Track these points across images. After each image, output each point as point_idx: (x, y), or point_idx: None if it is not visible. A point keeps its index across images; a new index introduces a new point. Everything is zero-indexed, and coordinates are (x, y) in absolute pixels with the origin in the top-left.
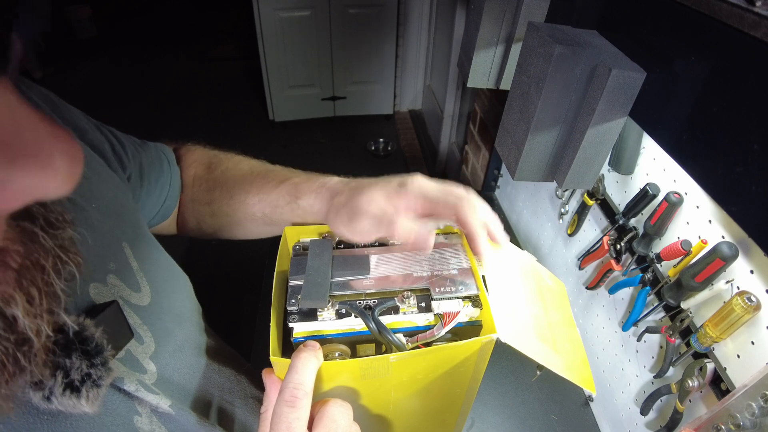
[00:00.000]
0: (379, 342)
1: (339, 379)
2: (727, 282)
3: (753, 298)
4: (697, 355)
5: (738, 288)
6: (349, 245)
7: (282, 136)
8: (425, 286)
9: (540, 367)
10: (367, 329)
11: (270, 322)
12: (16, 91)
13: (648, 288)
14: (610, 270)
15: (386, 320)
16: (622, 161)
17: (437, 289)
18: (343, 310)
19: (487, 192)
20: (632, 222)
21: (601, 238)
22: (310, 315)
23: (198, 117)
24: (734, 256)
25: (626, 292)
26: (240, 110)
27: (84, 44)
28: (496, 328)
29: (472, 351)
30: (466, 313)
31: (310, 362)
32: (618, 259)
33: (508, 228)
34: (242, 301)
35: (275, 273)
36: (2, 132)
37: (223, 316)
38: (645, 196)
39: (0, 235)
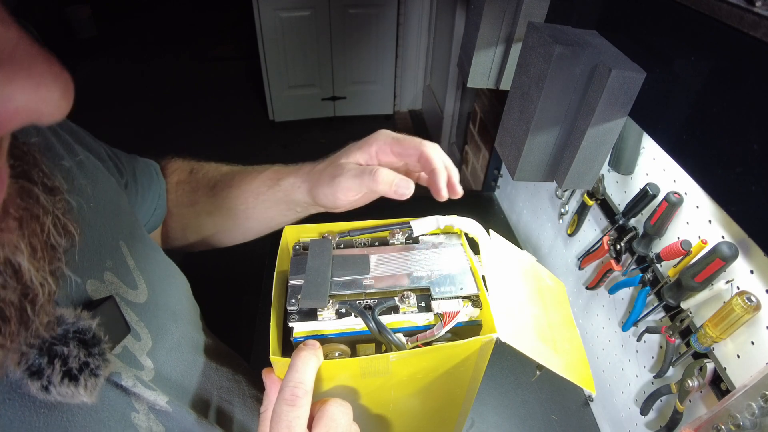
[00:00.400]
0: (379, 342)
1: (339, 378)
2: (727, 282)
3: (753, 298)
4: (697, 355)
5: (738, 288)
6: (350, 245)
7: (282, 136)
8: (425, 286)
9: (540, 367)
10: (367, 329)
11: (270, 321)
12: (7, 9)
13: (648, 288)
14: (610, 270)
15: (386, 320)
16: (622, 161)
17: (437, 289)
18: (343, 310)
19: (487, 192)
20: (632, 222)
21: (601, 238)
22: (310, 315)
23: (198, 117)
24: (734, 256)
25: (626, 292)
26: (240, 110)
27: (84, 44)
28: (496, 328)
29: (472, 350)
30: (466, 312)
31: (310, 361)
32: (618, 259)
33: (508, 228)
34: (242, 301)
35: (275, 273)
36: None
37: (223, 316)
38: (645, 196)
39: (4, 176)
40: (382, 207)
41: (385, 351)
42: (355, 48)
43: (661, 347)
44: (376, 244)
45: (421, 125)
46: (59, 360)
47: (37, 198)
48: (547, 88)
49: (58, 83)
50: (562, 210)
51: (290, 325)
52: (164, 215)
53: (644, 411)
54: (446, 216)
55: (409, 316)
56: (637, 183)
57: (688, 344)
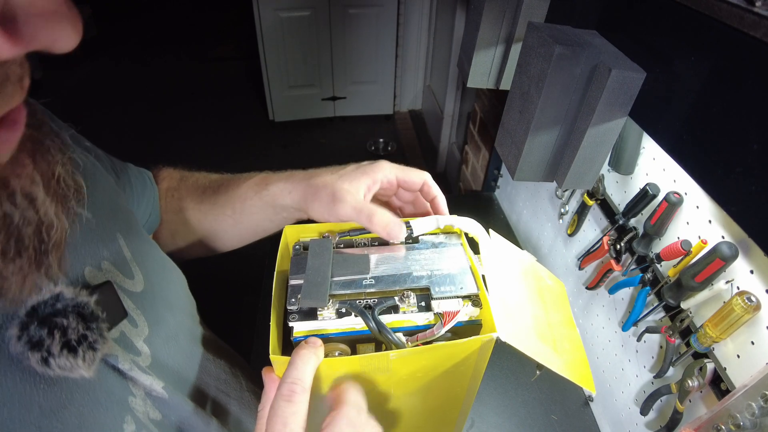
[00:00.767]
0: (379, 341)
1: (339, 377)
2: (727, 282)
3: (753, 298)
4: (697, 355)
5: (738, 288)
6: (350, 244)
7: (282, 136)
8: (425, 286)
9: (540, 366)
10: (367, 328)
11: (270, 321)
12: None
13: (648, 288)
14: (610, 270)
15: (386, 319)
16: (622, 161)
17: (437, 289)
18: (343, 310)
19: (487, 192)
20: (632, 222)
21: (601, 238)
22: (310, 314)
23: (198, 117)
24: (734, 256)
25: (626, 292)
26: (240, 110)
27: (84, 44)
28: (496, 327)
29: (472, 350)
30: (466, 312)
31: (309, 359)
32: (618, 259)
33: (508, 228)
34: (242, 301)
35: (275, 272)
36: None
37: (223, 316)
38: (645, 196)
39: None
40: None
41: (386, 351)
42: (355, 48)
43: (661, 347)
44: (376, 243)
45: (421, 125)
46: (59, 331)
47: (48, 148)
48: (547, 88)
49: (71, 17)
50: (562, 210)
51: (290, 324)
52: (158, 222)
53: (644, 411)
54: (446, 216)
55: (409, 316)
56: (637, 183)
57: (688, 344)
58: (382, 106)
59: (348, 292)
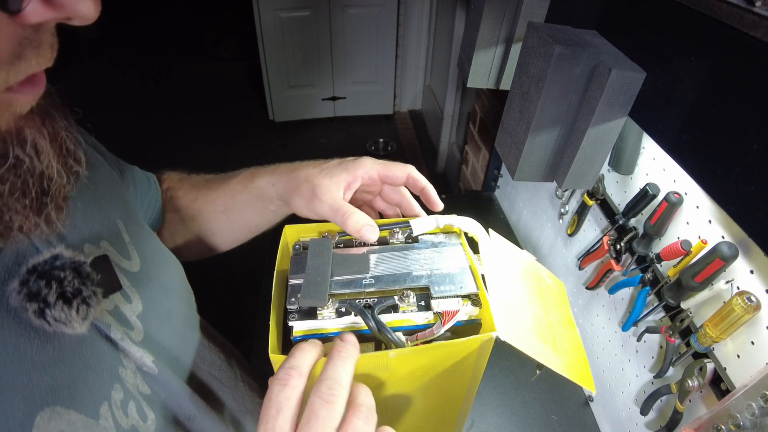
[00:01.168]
0: (379, 340)
1: None
2: (727, 282)
3: (753, 298)
4: (697, 355)
5: (738, 288)
6: (349, 244)
7: (282, 136)
8: (425, 285)
9: (540, 366)
10: (366, 328)
11: (270, 320)
12: None
13: (648, 288)
14: (610, 270)
15: (386, 319)
16: (622, 161)
17: (437, 288)
18: (343, 309)
19: (487, 192)
20: (632, 222)
21: (601, 238)
22: (310, 314)
23: (198, 117)
24: (734, 256)
25: (626, 292)
26: (240, 110)
27: (84, 44)
28: (495, 327)
29: (472, 349)
30: (466, 311)
31: (309, 351)
32: (618, 259)
33: (508, 228)
34: (242, 301)
35: (275, 272)
36: None
37: (223, 316)
38: (645, 196)
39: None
40: None
41: (385, 350)
42: (355, 48)
43: (661, 347)
44: (376, 243)
45: (421, 125)
46: (56, 282)
47: (55, 117)
48: (547, 88)
49: None
50: (562, 210)
51: (290, 323)
52: (160, 223)
53: (644, 411)
54: (446, 215)
55: (409, 315)
56: (637, 183)
57: (688, 344)
58: (382, 106)
59: (348, 291)
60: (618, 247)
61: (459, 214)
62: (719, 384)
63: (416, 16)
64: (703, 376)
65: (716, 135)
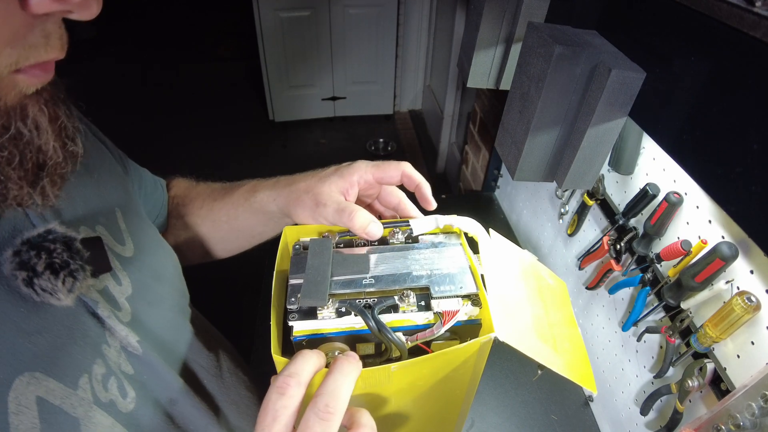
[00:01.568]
0: (379, 340)
1: None
2: (727, 282)
3: (753, 298)
4: (697, 355)
5: (738, 288)
6: (349, 244)
7: (282, 136)
8: (425, 285)
9: (541, 366)
10: (366, 328)
11: (270, 320)
12: None
13: (648, 288)
14: (610, 270)
15: (386, 319)
16: (622, 161)
17: (437, 288)
18: (343, 309)
19: (487, 192)
20: (632, 222)
21: (601, 238)
22: (310, 314)
23: (198, 117)
24: (734, 256)
25: (626, 292)
26: (240, 110)
27: (84, 44)
28: (494, 327)
29: (471, 353)
30: (466, 311)
31: (310, 359)
32: (618, 259)
33: (508, 228)
34: (242, 302)
35: (275, 272)
36: None
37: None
38: (645, 196)
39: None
40: None
41: (385, 350)
42: (355, 48)
43: (661, 347)
44: (376, 243)
45: (421, 125)
46: (45, 253)
47: (57, 103)
48: (547, 88)
49: None
50: (562, 210)
51: (290, 323)
52: (165, 227)
53: (644, 411)
54: (446, 215)
55: (409, 315)
56: (637, 183)
57: (688, 344)
58: (382, 106)
59: (348, 291)
60: (618, 247)
61: (459, 214)
62: (719, 384)
63: (416, 16)
64: (703, 376)
65: (716, 135)
